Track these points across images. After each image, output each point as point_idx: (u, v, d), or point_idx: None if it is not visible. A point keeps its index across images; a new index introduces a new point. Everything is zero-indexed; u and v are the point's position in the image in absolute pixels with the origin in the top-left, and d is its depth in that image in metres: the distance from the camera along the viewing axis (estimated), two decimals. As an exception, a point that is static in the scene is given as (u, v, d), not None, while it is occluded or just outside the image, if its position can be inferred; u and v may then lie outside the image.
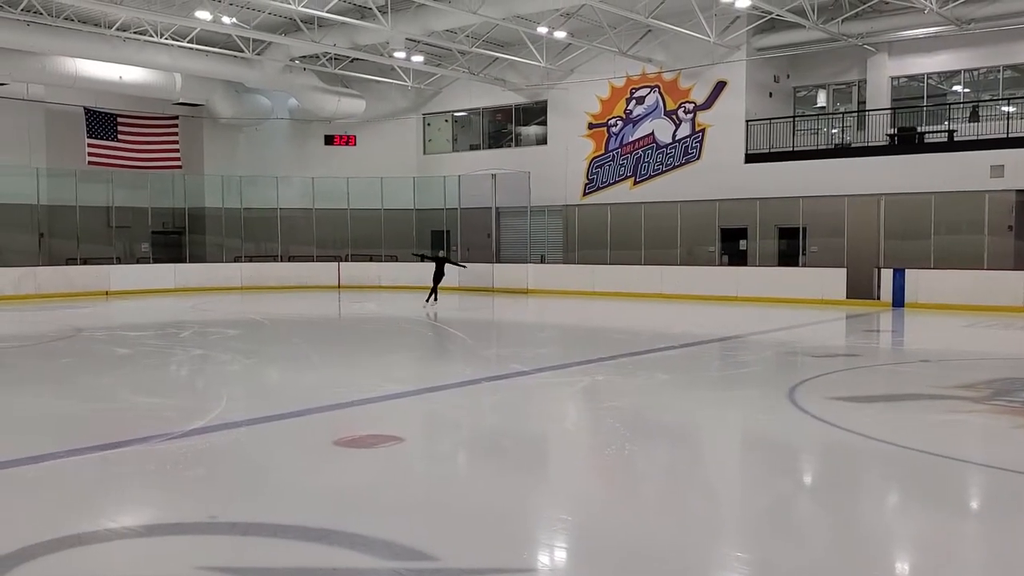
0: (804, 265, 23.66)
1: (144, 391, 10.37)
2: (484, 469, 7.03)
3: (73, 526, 5.31)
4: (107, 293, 25.75)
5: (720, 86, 25.27)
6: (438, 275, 22.75)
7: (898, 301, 21.26)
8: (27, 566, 4.66)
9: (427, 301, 22.32)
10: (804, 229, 23.80)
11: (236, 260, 29.88)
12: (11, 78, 25.03)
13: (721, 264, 25.22)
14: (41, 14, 22.20)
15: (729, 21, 24.10)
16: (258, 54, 26.16)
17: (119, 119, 29.12)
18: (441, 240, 30.45)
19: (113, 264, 27.20)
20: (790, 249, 24.32)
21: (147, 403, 9.65)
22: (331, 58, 28.12)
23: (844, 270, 22.21)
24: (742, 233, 25.00)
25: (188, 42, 24.50)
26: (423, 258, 24.61)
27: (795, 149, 24.64)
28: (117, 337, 16.32)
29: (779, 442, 7.89)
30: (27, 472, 6.63)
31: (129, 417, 8.80)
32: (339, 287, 29.32)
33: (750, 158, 24.99)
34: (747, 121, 25.00)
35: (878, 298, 21.63)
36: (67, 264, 26.86)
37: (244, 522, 5.35)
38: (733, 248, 25.31)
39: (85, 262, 26.90)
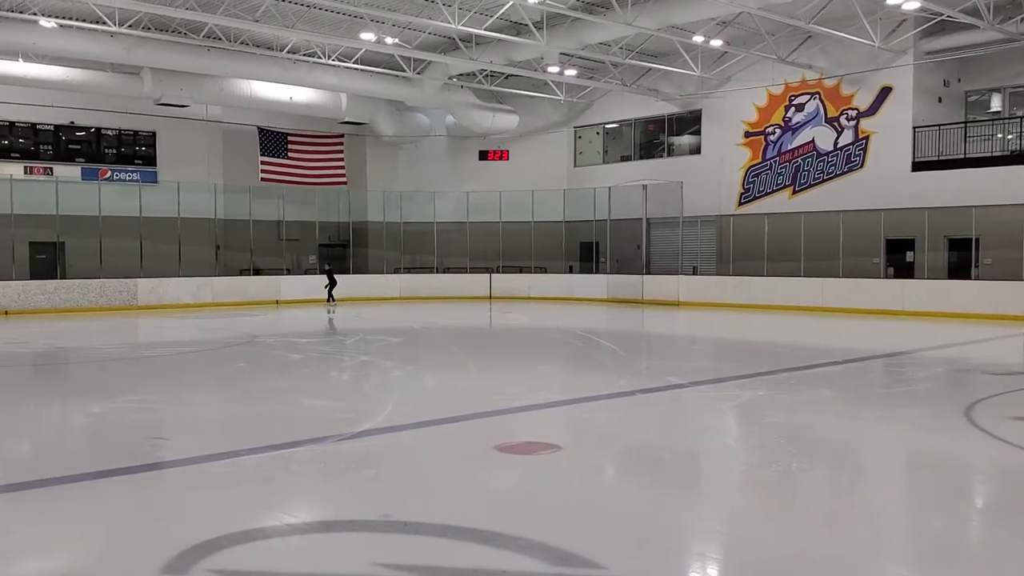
0: (977, 278, 22.34)
1: (315, 394, 10.95)
2: (644, 481, 7.01)
3: (257, 520, 5.63)
4: (277, 302, 27.20)
5: (885, 92, 24.25)
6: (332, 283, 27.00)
7: (1085, 317, 19.76)
8: (220, 555, 4.99)
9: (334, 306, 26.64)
10: (977, 240, 22.47)
11: (395, 271, 31.01)
12: (192, 100, 26.90)
13: (886, 277, 24.13)
14: (220, 39, 23.77)
15: (895, 24, 23.11)
16: (418, 73, 27.09)
17: (289, 138, 30.80)
18: (590, 251, 30.58)
19: (283, 275, 28.72)
20: (961, 261, 23.01)
21: (319, 405, 10.17)
22: (487, 75, 28.75)
23: (1022, 283, 20.82)
24: (909, 244, 23.85)
25: (353, 63, 25.65)
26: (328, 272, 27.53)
27: (967, 156, 23.32)
28: (288, 343, 17.21)
29: (957, 463, 7.50)
30: (212, 468, 7.08)
31: (303, 418, 9.27)
32: (490, 298, 29.86)
33: (917, 166, 23.83)
34: (914, 128, 23.86)
35: (1061, 313, 20.17)
36: (241, 275, 28.57)
37: (416, 521, 5.56)
38: (899, 260, 24.16)
39: (257, 273, 28.53)
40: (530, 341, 18.54)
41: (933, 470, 7.43)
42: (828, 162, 25.57)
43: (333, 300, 26.96)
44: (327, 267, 27.63)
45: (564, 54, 25.24)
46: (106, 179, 27.57)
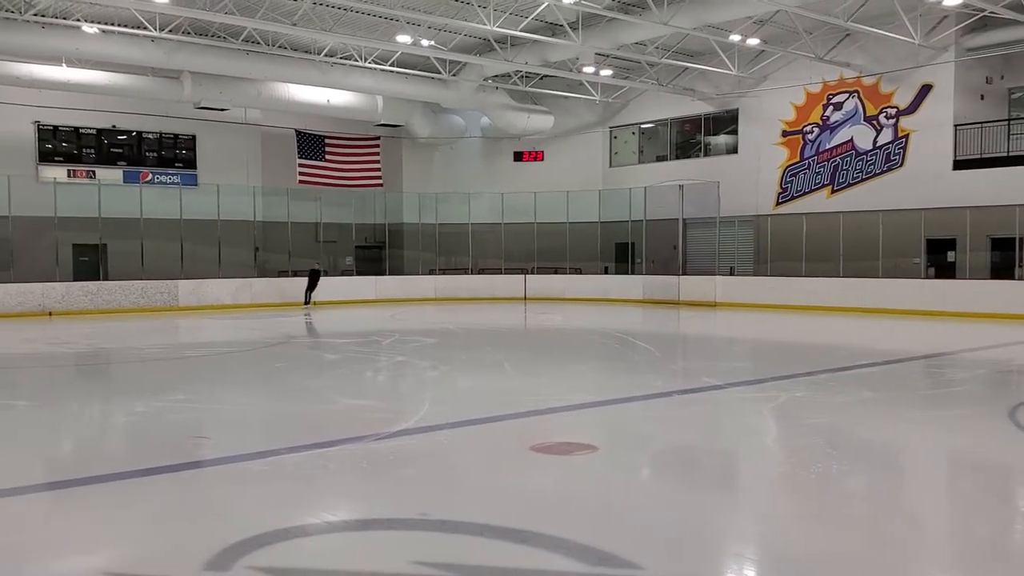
0: (1020, 278, 21.93)
1: (353, 394, 11.04)
2: (681, 482, 6.97)
3: (297, 518, 5.68)
4: (315, 303, 27.40)
5: (925, 89, 23.91)
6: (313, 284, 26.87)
7: None
8: (261, 552, 5.04)
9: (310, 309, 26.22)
10: (1020, 240, 22.08)
11: (431, 273, 31.15)
12: (231, 104, 27.25)
13: (927, 277, 23.78)
14: (259, 43, 24.04)
15: (936, 21, 22.78)
16: (454, 75, 27.20)
17: (326, 140, 31.08)
18: (626, 252, 30.47)
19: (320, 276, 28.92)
20: (1004, 261, 22.61)
21: (356, 405, 10.26)
22: (522, 76, 28.79)
23: (1068, 284, 20.44)
24: (950, 244, 23.49)
25: (389, 65, 25.82)
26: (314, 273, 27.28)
27: (1010, 154, 22.91)
28: (325, 344, 17.37)
29: (1001, 465, 7.38)
30: (253, 466, 7.15)
31: (340, 418, 9.35)
32: (525, 299, 29.87)
33: (959, 164, 23.46)
34: (955, 125, 23.50)
35: (1109, 314, 19.74)
36: (279, 276, 28.84)
37: (453, 520, 5.59)
38: (940, 260, 23.81)
39: (295, 274, 28.77)
40: (565, 342, 18.52)
41: (976, 473, 7.30)
42: (867, 161, 25.27)
43: (311, 303, 26.73)
44: (315, 266, 27.45)
45: (599, 54, 25.19)
46: (147, 182, 28.00)
